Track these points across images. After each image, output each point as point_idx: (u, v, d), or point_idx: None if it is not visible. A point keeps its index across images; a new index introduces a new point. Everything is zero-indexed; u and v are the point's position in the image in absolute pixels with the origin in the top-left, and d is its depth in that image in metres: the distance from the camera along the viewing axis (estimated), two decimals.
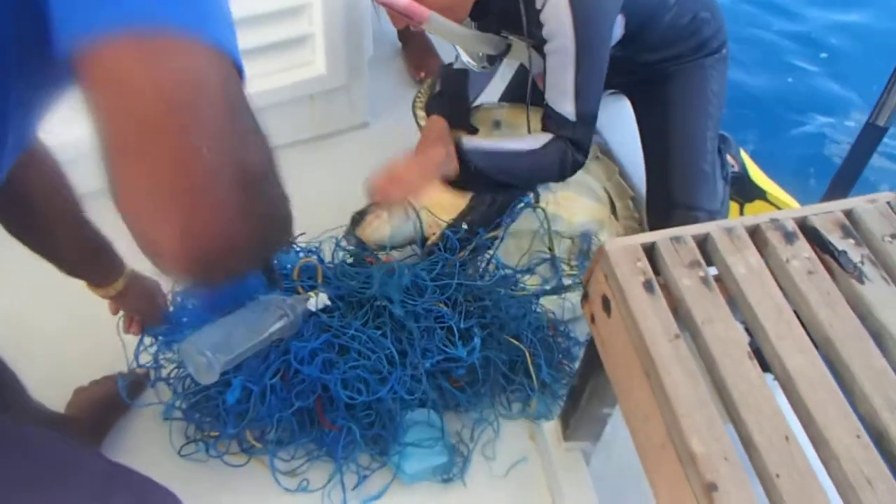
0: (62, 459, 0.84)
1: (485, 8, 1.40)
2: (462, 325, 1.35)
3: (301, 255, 1.52)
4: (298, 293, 1.39)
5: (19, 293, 1.50)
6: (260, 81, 1.76)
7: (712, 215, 1.56)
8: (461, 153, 1.38)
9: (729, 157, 1.85)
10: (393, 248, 1.56)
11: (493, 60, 1.54)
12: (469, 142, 1.40)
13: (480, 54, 1.52)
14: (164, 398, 1.41)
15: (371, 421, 1.33)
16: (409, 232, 1.58)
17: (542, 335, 1.47)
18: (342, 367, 1.29)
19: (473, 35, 1.46)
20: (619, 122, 1.80)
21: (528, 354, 1.41)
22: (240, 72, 0.50)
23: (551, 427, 1.36)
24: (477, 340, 1.33)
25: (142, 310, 1.31)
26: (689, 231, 1.01)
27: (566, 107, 1.33)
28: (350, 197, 1.70)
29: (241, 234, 0.49)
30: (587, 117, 1.36)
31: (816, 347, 0.89)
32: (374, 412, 1.33)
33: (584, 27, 1.28)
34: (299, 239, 1.57)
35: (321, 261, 1.51)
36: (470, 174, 1.39)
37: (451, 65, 1.64)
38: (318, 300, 1.34)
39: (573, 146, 1.38)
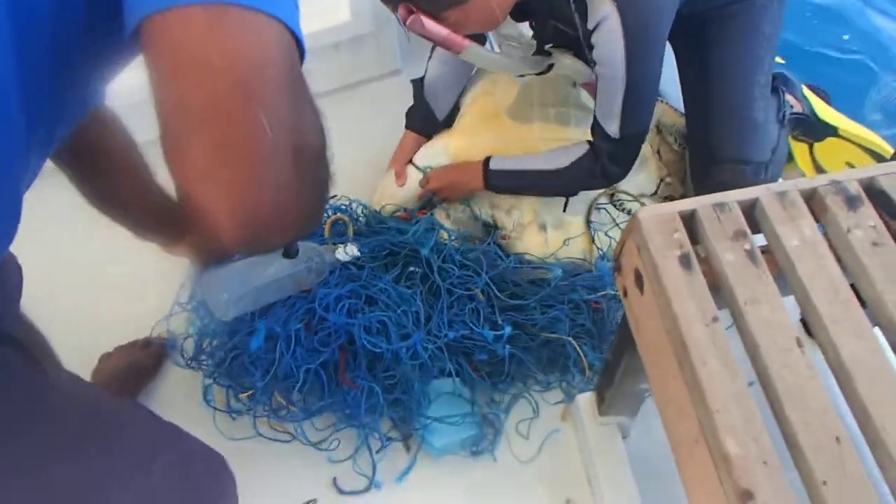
0: (105, 420, 0.82)
1: (528, 13, 1.33)
2: (491, 313, 1.31)
3: (331, 211, 1.49)
4: None
5: (43, 260, 1.50)
6: None
7: (762, 167, 1.43)
8: (486, 175, 1.43)
9: (790, 98, 1.69)
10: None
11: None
12: (497, 162, 1.44)
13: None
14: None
15: (392, 384, 1.29)
16: (412, 194, 1.57)
17: (586, 319, 1.39)
18: (367, 315, 1.27)
19: (511, 61, 1.41)
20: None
21: (576, 346, 1.34)
22: (301, 48, 0.52)
23: (586, 399, 1.28)
24: (507, 329, 1.28)
25: (210, 259, 1.29)
26: (734, 196, 0.90)
27: (611, 126, 1.29)
28: (384, 148, 1.65)
29: (292, 209, 0.52)
30: (632, 137, 1.33)
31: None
32: (395, 375, 1.28)
33: (637, 55, 1.20)
34: (332, 198, 1.53)
35: (352, 217, 1.50)
36: (497, 190, 1.45)
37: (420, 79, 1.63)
38: (346, 250, 1.33)
39: (611, 159, 1.35)
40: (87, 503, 0.75)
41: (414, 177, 1.55)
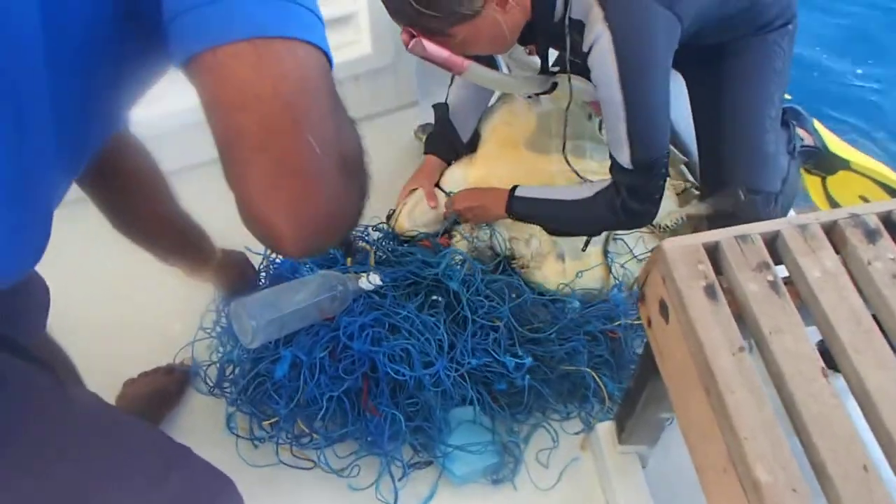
0: (123, 437, 0.85)
1: (531, 37, 1.34)
2: (511, 345, 1.32)
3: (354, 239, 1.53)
4: None
5: (69, 283, 1.52)
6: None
7: (772, 197, 1.44)
8: (509, 201, 1.44)
9: (801, 132, 1.72)
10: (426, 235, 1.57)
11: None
12: (522, 190, 1.45)
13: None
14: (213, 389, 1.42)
15: (415, 411, 1.30)
16: (436, 218, 1.60)
17: (603, 350, 1.40)
18: (391, 343, 1.28)
19: (514, 80, 1.43)
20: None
21: (595, 377, 1.35)
22: (329, 60, 0.56)
23: (606, 428, 1.29)
24: (528, 360, 1.29)
25: (234, 286, 1.34)
26: (756, 229, 0.92)
27: (622, 156, 1.27)
28: (398, 179, 1.68)
29: (343, 213, 0.58)
30: (646, 164, 1.28)
31: None
32: (418, 402, 1.30)
33: (631, 76, 1.19)
34: None
35: (372, 244, 1.53)
36: (518, 217, 1.46)
37: (443, 104, 1.67)
38: (369, 278, 1.35)
39: (630, 193, 1.31)
40: None
41: (441, 200, 1.57)
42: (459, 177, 1.60)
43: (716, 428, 0.79)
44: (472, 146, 1.69)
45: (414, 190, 1.62)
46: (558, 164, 1.57)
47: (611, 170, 1.33)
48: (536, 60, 1.44)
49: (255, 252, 1.41)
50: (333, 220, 0.57)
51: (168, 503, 0.85)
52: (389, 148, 1.86)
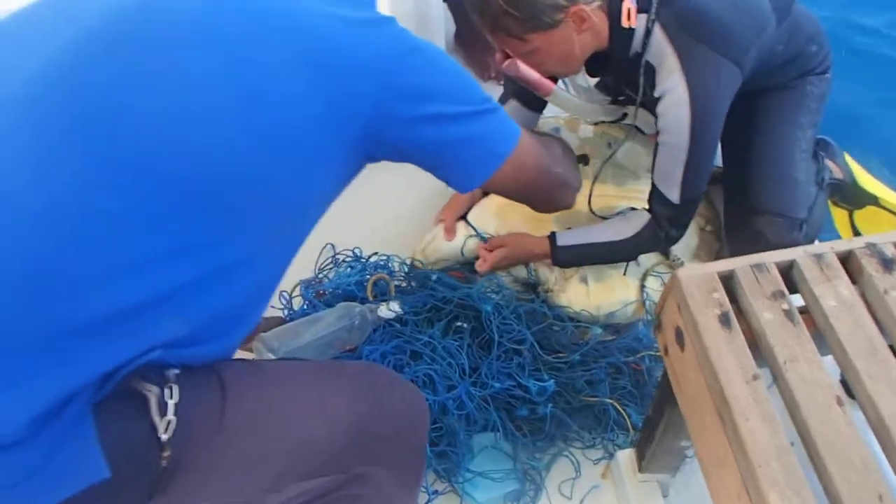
0: (295, 364, 1.01)
1: (601, 66, 1.40)
2: (535, 370, 1.35)
3: (375, 271, 1.56)
4: None
5: None
6: None
7: (798, 224, 1.46)
8: (553, 252, 1.48)
9: (831, 164, 1.73)
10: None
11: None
12: (562, 237, 1.48)
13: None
14: None
15: (439, 436, 1.31)
16: (462, 250, 1.61)
17: (626, 381, 1.41)
18: (413, 368, 1.31)
19: (591, 107, 1.51)
20: None
21: (618, 407, 1.37)
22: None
23: (626, 456, 1.30)
24: (551, 384, 1.31)
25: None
26: (771, 258, 0.94)
27: (672, 193, 1.36)
28: (423, 208, 1.72)
29: (570, 195, 1.16)
30: (692, 201, 1.38)
31: None
32: (441, 426, 1.31)
33: (700, 128, 1.28)
34: (371, 257, 1.59)
35: (391, 274, 1.56)
36: (564, 265, 1.52)
37: None
38: (389, 307, 1.39)
39: (671, 224, 1.42)
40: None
41: (463, 232, 1.59)
42: (484, 204, 1.62)
43: (730, 455, 0.80)
44: None
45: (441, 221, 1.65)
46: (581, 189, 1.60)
47: (651, 199, 1.41)
48: (593, 87, 1.53)
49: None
50: (569, 198, 1.16)
51: (351, 380, 0.93)
52: (414, 174, 1.87)
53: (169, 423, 0.69)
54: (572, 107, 1.48)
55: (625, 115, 1.54)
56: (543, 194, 1.07)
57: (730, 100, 1.31)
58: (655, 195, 1.40)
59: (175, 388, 0.71)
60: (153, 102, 0.66)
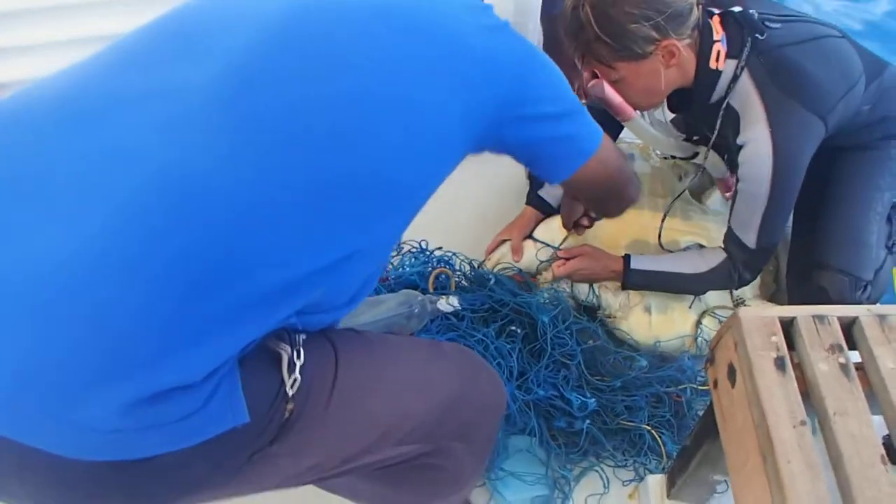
0: (396, 339, 1.08)
1: (683, 105, 1.43)
2: (578, 385, 1.39)
3: (438, 265, 1.60)
4: None
5: None
6: None
7: (862, 284, 1.45)
8: (625, 273, 1.51)
9: None
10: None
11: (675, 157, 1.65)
12: (637, 262, 1.52)
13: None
14: None
15: None
16: (532, 264, 1.65)
17: (666, 410, 1.44)
18: None
19: (667, 141, 1.53)
20: None
21: (654, 434, 1.40)
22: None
23: (656, 481, 1.32)
24: (592, 402, 1.34)
25: None
26: (834, 311, 0.95)
27: (748, 237, 1.39)
28: (494, 210, 1.76)
29: (632, 196, 1.16)
30: (768, 248, 1.41)
31: None
32: None
33: (781, 179, 1.30)
34: (436, 251, 1.65)
35: (453, 270, 1.61)
36: (634, 288, 1.55)
37: None
38: (448, 301, 1.43)
39: (745, 267, 1.44)
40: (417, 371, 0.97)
41: (531, 249, 1.64)
42: (555, 226, 1.65)
43: (768, 495, 0.82)
44: None
45: (505, 241, 1.67)
46: (649, 218, 1.62)
47: (727, 242, 1.46)
48: (669, 122, 1.56)
49: None
50: (630, 201, 1.18)
51: (449, 360, 1.00)
52: (491, 178, 1.94)
53: (295, 380, 0.78)
54: (648, 137, 1.51)
55: (696, 154, 1.56)
56: (617, 189, 1.10)
57: (812, 153, 1.32)
58: (732, 238, 1.42)
59: (302, 351, 0.79)
60: (327, 103, 0.74)
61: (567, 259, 1.54)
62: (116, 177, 0.66)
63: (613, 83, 1.32)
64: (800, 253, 1.56)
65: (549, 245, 1.61)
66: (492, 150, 0.94)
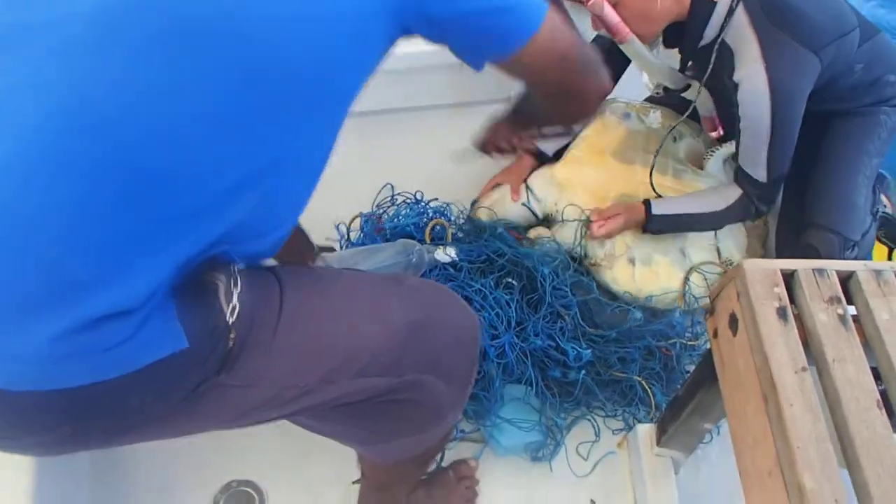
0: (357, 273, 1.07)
1: (679, 39, 1.44)
2: (574, 337, 1.41)
3: (434, 216, 1.61)
4: None
5: None
6: (410, 45, 1.80)
7: (850, 245, 1.50)
8: (648, 218, 1.54)
9: (883, 197, 1.76)
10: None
11: (668, 90, 1.66)
12: (657, 206, 1.55)
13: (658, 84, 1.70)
14: None
15: (476, 379, 1.37)
16: (523, 212, 1.66)
17: (656, 363, 1.48)
18: None
19: (660, 69, 1.55)
20: None
21: (645, 385, 1.43)
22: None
23: (646, 430, 1.36)
24: (587, 353, 1.37)
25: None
26: (833, 265, 0.98)
27: (759, 172, 1.44)
28: (489, 165, 1.76)
29: (599, 83, 0.96)
30: (778, 178, 1.46)
31: None
32: (480, 371, 1.36)
33: (781, 114, 1.33)
34: (431, 202, 1.65)
35: (450, 220, 1.63)
36: (655, 232, 1.58)
37: None
38: (446, 251, 1.45)
39: (760, 200, 1.50)
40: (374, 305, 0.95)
41: (524, 196, 1.65)
42: (547, 175, 1.67)
43: (769, 436, 0.86)
44: (559, 156, 1.76)
45: (499, 185, 1.69)
46: (641, 174, 1.64)
47: (740, 181, 1.51)
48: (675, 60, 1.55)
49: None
50: (602, 91, 0.98)
51: (408, 290, 0.99)
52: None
53: (234, 307, 0.77)
54: (644, 61, 1.51)
55: (688, 86, 1.58)
56: (575, 76, 0.92)
57: (809, 88, 1.36)
58: (743, 176, 1.47)
59: (239, 279, 0.79)
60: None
61: (604, 220, 1.56)
62: (23, 106, 0.65)
63: (613, 5, 1.35)
64: (790, 214, 1.60)
65: (528, 205, 1.65)
66: (424, 35, 0.84)
